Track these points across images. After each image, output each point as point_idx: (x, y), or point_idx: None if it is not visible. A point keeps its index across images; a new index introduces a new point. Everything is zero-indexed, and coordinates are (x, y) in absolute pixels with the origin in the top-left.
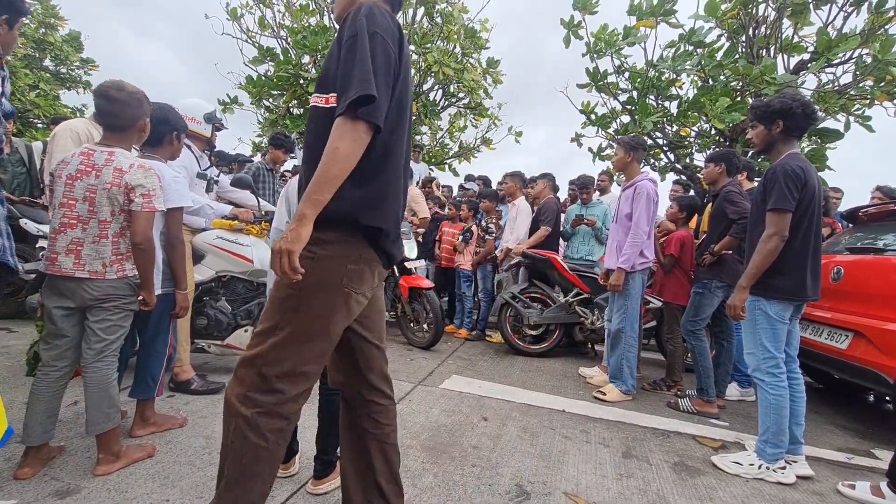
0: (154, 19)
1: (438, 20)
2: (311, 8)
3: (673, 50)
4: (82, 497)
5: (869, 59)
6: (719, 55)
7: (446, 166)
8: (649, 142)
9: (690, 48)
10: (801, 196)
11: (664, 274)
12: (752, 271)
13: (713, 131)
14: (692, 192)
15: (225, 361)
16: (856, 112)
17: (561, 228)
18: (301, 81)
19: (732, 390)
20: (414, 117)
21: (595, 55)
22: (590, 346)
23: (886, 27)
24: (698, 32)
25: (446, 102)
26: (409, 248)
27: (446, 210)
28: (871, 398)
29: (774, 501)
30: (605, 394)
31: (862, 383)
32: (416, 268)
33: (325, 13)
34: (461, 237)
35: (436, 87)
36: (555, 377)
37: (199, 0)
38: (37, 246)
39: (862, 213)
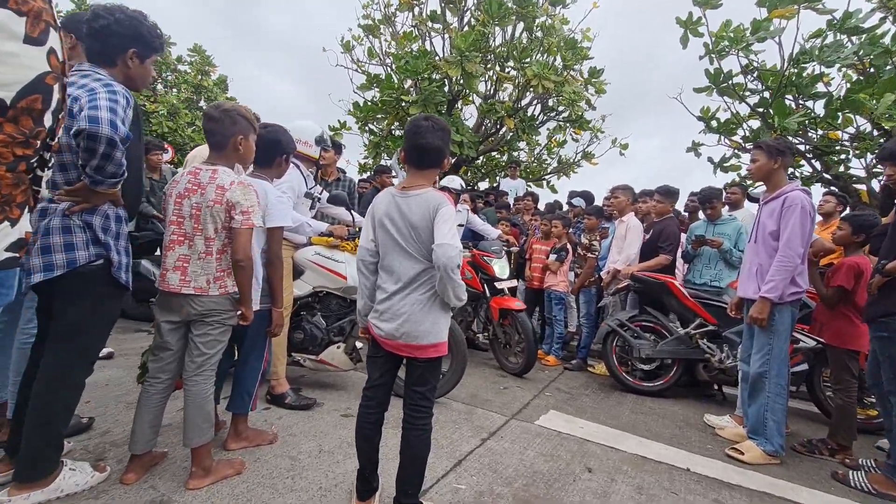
0: (280, 57)
1: (539, 34)
2: (414, 35)
3: (819, 40)
4: None
5: None
6: (886, 41)
7: (544, 182)
8: None
9: (844, 38)
10: None
11: (826, 309)
12: None
13: (875, 133)
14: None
15: (319, 377)
16: None
17: (680, 250)
18: (403, 104)
19: None
20: (511, 133)
21: (716, 55)
22: (717, 387)
23: None
24: (855, 16)
25: (545, 117)
26: (501, 268)
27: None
28: None
29: None
30: (742, 452)
31: None
32: (507, 288)
33: (428, 38)
34: (555, 255)
35: (534, 101)
36: (674, 423)
37: (319, 36)
38: None
39: None
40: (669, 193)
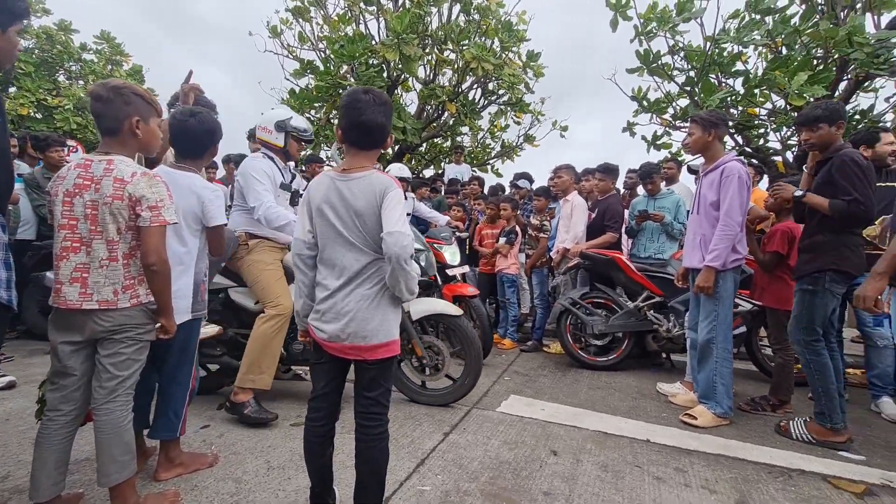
0: (205, 45)
1: (476, 16)
2: (348, 17)
3: (737, 21)
4: None
5: None
6: (794, 21)
7: (488, 167)
8: None
9: (757, 17)
10: None
11: (763, 274)
12: (891, 252)
13: (788, 109)
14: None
15: (287, 386)
16: None
17: (625, 225)
18: (340, 91)
19: (890, 407)
20: (453, 118)
21: (645, 37)
22: (665, 356)
23: None
24: None
25: (486, 101)
26: (452, 255)
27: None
28: None
29: None
30: (695, 417)
31: None
32: (459, 275)
33: (362, 21)
34: (504, 238)
35: (475, 85)
36: (630, 395)
37: (244, 20)
38: None
39: None
40: (610, 171)
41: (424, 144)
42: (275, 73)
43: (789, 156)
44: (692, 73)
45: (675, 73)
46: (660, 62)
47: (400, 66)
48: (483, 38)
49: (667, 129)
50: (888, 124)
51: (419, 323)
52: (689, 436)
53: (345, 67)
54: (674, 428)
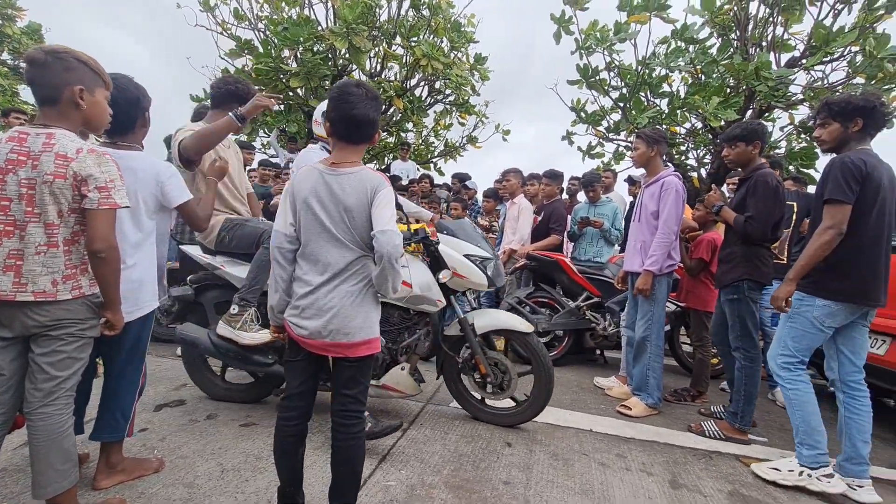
0: (120, 9)
1: (426, 13)
2: None
3: (665, 46)
4: None
5: (860, 58)
6: (713, 52)
7: (431, 165)
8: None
9: (682, 45)
10: (863, 190)
11: (689, 279)
12: (801, 263)
13: (703, 129)
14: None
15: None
16: None
17: (567, 229)
18: (281, 76)
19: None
20: (400, 114)
21: (585, 52)
22: (600, 352)
23: (876, 25)
24: (691, 28)
25: (432, 100)
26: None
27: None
28: None
29: None
30: (629, 408)
31: None
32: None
33: (308, 5)
34: None
35: (422, 83)
36: (571, 389)
37: None
38: None
39: None
40: (555, 176)
41: None
42: (207, 49)
43: (703, 172)
44: (625, 91)
45: (610, 89)
46: (597, 77)
47: (347, 56)
48: (432, 37)
49: (601, 140)
50: (781, 151)
51: (484, 337)
52: (626, 425)
53: (287, 51)
54: (612, 418)
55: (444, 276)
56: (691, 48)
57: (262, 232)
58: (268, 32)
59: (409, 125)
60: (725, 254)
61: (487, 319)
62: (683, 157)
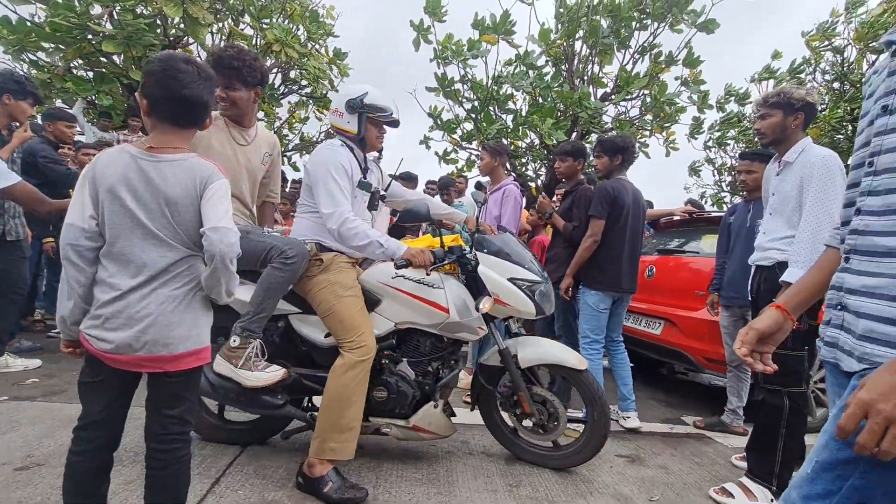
0: None
1: None
2: None
3: (512, 67)
4: None
5: (649, 99)
6: (548, 78)
7: (286, 159)
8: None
9: (524, 69)
10: (613, 209)
11: None
12: (572, 262)
13: (539, 145)
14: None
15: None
16: (640, 140)
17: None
18: (89, 36)
19: None
20: None
21: (442, 62)
22: None
23: (660, 75)
24: (531, 55)
25: (286, 89)
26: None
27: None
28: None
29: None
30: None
31: (672, 362)
32: None
33: None
34: None
35: (275, 69)
36: None
37: None
38: None
39: (663, 222)
40: (410, 178)
41: None
42: None
43: (539, 182)
44: (476, 104)
45: (464, 100)
46: (452, 87)
47: (182, 26)
48: (287, 22)
49: (455, 147)
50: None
51: (529, 371)
52: (474, 414)
53: (98, 8)
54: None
55: (485, 304)
56: (531, 73)
57: (271, 247)
58: None
59: (260, 114)
60: (552, 254)
61: (533, 351)
62: (524, 168)
